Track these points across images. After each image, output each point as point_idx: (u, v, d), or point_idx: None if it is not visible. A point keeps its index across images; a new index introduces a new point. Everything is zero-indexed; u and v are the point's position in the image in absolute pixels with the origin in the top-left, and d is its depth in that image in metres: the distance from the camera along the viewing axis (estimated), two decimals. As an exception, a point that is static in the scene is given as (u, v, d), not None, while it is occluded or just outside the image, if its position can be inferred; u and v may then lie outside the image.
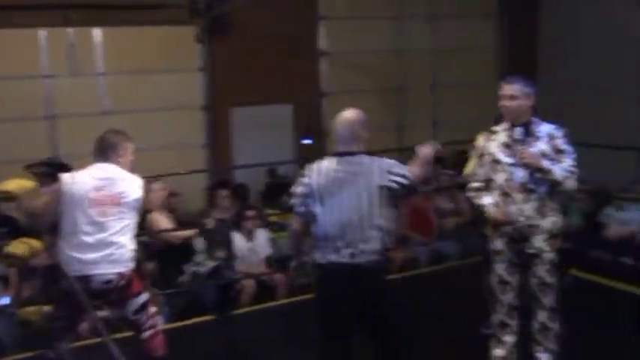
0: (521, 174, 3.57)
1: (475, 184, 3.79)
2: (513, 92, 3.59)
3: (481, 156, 3.75)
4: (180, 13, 7.61)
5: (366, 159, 3.33)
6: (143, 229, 4.77)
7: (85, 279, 3.48)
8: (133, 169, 3.71)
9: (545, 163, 3.52)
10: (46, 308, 4.66)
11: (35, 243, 4.11)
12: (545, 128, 3.63)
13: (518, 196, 3.58)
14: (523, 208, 3.58)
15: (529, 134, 3.60)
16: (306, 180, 3.40)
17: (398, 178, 3.29)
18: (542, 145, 3.57)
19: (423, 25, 8.84)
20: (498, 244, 3.71)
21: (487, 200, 3.69)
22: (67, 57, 7.36)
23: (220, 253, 5.82)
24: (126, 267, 3.55)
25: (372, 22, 8.57)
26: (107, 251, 3.50)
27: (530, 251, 3.62)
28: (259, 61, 7.90)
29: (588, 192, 6.31)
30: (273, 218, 6.82)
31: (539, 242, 3.60)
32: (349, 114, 3.41)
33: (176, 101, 7.79)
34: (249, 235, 6.14)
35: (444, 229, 6.95)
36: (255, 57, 7.86)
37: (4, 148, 6.88)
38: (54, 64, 7.36)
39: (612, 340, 4.29)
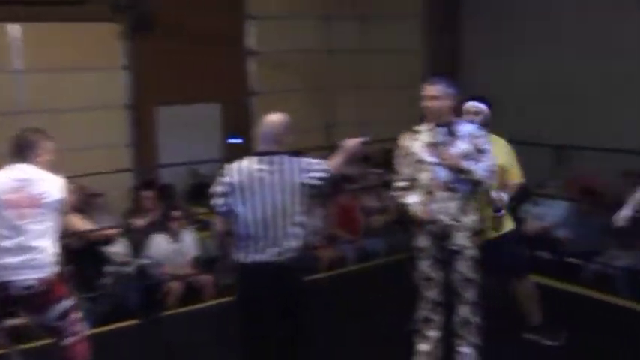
0: (444, 173, 3.66)
1: (400, 184, 3.86)
2: (435, 93, 3.68)
3: (405, 155, 3.83)
4: (103, 10, 7.40)
5: (285, 158, 3.44)
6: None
7: (4, 285, 3.34)
8: (53, 169, 3.59)
9: (466, 164, 3.63)
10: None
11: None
12: (466, 128, 3.74)
13: (442, 195, 3.68)
14: (446, 207, 3.67)
15: (451, 134, 3.70)
16: (226, 179, 3.44)
17: (318, 174, 3.45)
18: (463, 145, 3.68)
19: (351, 25, 8.93)
20: (422, 241, 3.80)
21: (412, 199, 3.77)
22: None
23: (143, 255, 5.72)
24: (47, 272, 3.42)
25: (301, 21, 8.60)
26: (27, 256, 3.37)
27: (453, 248, 3.72)
28: (185, 59, 7.78)
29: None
30: (201, 217, 6.74)
31: (461, 239, 3.71)
32: (274, 116, 3.51)
33: (99, 100, 7.57)
34: (175, 237, 6.06)
35: (371, 227, 7.06)
36: (181, 55, 7.73)
37: None
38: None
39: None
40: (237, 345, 3.57)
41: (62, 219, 3.55)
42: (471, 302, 3.80)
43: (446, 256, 3.76)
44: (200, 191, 7.38)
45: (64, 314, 3.51)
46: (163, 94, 7.80)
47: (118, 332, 4.93)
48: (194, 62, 7.81)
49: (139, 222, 6.15)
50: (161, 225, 6.06)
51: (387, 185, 4.09)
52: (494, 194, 3.98)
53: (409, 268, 4.04)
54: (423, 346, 3.93)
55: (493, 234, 4.06)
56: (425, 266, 3.82)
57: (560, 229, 6.61)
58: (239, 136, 8.21)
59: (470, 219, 3.72)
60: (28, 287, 3.37)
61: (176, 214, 6.17)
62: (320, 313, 4.87)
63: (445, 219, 3.68)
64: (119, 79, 7.80)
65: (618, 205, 5.89)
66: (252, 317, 3.45)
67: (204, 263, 6.17)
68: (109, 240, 5.62)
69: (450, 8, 9.42)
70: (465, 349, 3.88)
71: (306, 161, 3.49)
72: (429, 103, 3.69)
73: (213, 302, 5.58)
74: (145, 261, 5.69)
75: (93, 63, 7.46)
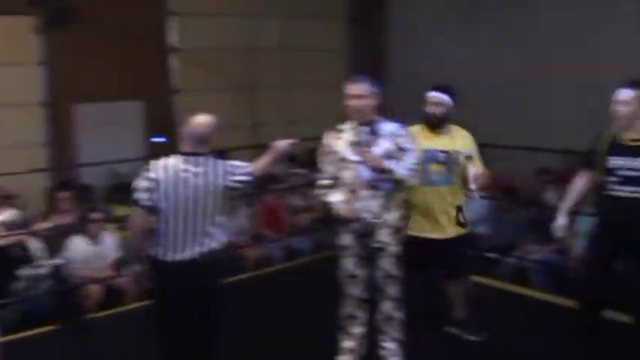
0: (367, 172, 3.69)
1: (323, 182, 3.87)
2: (359, 91, 3.70)
3: (329, 154, 3.84)
4: (17, 2, 7.09)
5: (211, 160, 3.45)
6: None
7: None
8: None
9: (388, 164, 3.67)
10: None
11: None
12: (388, 127, 3.77)
13: (365, 193, 3.71)
14: (369, 204, 3.71)
15: (374, 133, 3.74)
16: (151, 175, 3.39)
17: (242, 177, 3.48)
18: (386, 144, 3.72)
19: (275, 23, 8.91)
20: (346, 239, 3.82)
21: (335, 197, 3.78)
22: None
23: (59, 257, 5.50)
24: None
25: (225, 19, 8.50)
26: None
27: (376, 245, 3.76)
28: (105, 55, 7.55)
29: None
30: (121, 217, 6.54)
31: (384, 236, 3.76)
32: (202, 117, 3.49)
33: (13, 97, 7.24)
34: (95, 239, 5.87)
35: (296, 226, 7.07)
36: (100, 51, 7.49)
37: None
38: None
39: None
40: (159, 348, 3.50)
41: None
42: (394, 298, 3.85)
43: (369, 254, 3.80)
44: (120, 191, 7.18)
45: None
46: (82, 91, 7.54)
47: (33, 339, 4.72)
48: (114, 59, 7.60)
49: (47, 224, 5.93)
50: (79, 227, 5.85)
51: (313, 184, 4.09)
52: (471, 174, 4.00)
53: (334, 265, 4.06)
54: (348, 343, 3.96)
55: (452, 233, 4.12)
56: (348, 264, 3.85)
57: (480, 226, 6.80)
58: (162, 135, 8.05)
59: (392, 216, 3.77)
60: None
61: (95, 215, 5.97)
62: (246, 313, 4.86)
63: (368, 217, 3.71)
64: (35, 76, 7.49)
65: (534, 202, 6.14)
66: (170, 317, 3.44)
67: (125, 265, 5.99)
68: (20, 243, 5.38)
69: (374, 7, 9.55)
70: (389, 345, 3.93)
71: (231, 164, 3.51)
72: (352, 102, 3.71)
73: (136, 305, 5.44)
74: (60, 263, 5.46)
75: (6, 58, 7.13)
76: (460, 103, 4.11)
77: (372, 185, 3.70)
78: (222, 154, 3.64)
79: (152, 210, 3.39)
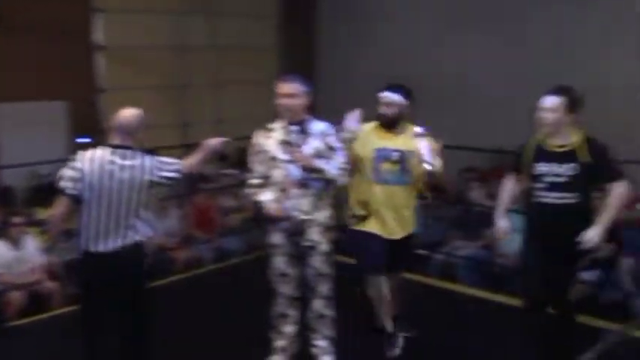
0: (297, 171, 3.70)
1: (254, 181, 3.85)
2: (290, 90, 3.70)
3: (259, 153, 3.83)
4: None
5: (138, 154, 3.49)
6: None
7: None
8: None
9: (318, 163, 3.69)
10: None
11: None
12: (318, 126, 3.79)
13: (295, 192, 3.71)
14: (299, 203, 3.71)
15: (304, 132, 3.75)
16: (78, 165, 3.45)
17: (169, 174, 3.53)
18: (316, 143, 3.73)
19: (204, 21, 8.80)
20: (276, 238, 3.82)
21: (265, 196, 3.77)
22: None
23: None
24: None
25: (153, 16, 8.32)
26: None
27: (306, 244, 3.77)
28: (27, 53, 7.25)
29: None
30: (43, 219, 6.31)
31: (314, 235, 3.77)
32: (129, 110, 3.54)
33: None
34: (16, 243, 5.64)
35: (228, 226, 7.01)
36: (22, 49, 7.19)
37: None
38: None
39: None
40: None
41: None
42: (325, 296, 3.87)
43: (300, 252, 3.81)
44: (42, 193, 6.93)
45: None
46: (2, 90, 7.23)
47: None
48: (37, 57, 7.31)
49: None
50: (0, 231, 5.61)
51: (243, 184, 4.07)
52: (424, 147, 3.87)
53: (265, 265, 4.05)
54: (280, 342, 3.96)
55: (400, 234, 4.07)
56: (279, 263, 3.85)
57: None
58: (88, 136, 7.81)
59: (322, 215, 3.79)
60: None
61: (16, 219, 5.75)
62: (177, 315, 4.79)
63: (298, 215, 3.72)
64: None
65: (460, 199, 6.30)
66: (93, 308, 3.52)
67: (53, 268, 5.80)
68: None
69: (305, 4, 9.58)
70: (321, 343, 3.95)
71: (159, 159, 3.55)
72: (283, 101, 3.70)
73: (65, 310, 5.25)
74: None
75: None
76: (415, 102, 4.04)
77: (302, 184, 3.71)
78: (151, 152, 3.61)
79: (77, 199, 3.43)
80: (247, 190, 3.93)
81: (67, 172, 3.46)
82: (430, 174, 3.85)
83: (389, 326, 4.18)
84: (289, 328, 3.94)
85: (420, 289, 5.38)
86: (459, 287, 5.65)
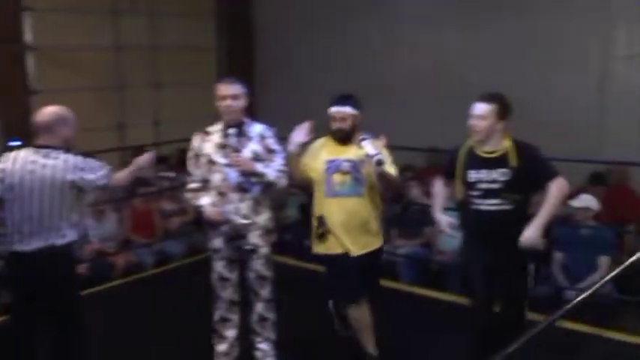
0: (235, 174, 3.68)
1: (193, 185, 3.82)
2: (233, 92, 3.68)
3: (197, 156, 3.80)
4: None
5: (62, 154, 3.45)
6: None
7: None
8: None
9: (258, 167, 3.68)
10: None
11: None
12: (256, 129, 3.79)
13: (234, 196, 3.70)
14: (239, 207, 3.71)
15: (242, 135, 3.73)
16: (0, 166, 3.45)
17: (92, 177, 3.49)
18: (254, 146, 3.73)
19: (141, 21, 8.64)
20: (216, 242, 3.80)
21: (204, 200, 3.74)
22: None
23: None
24: None
25: (86, 16, 8.12)
26: None
27: (247, 247, 3.77)
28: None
29: (300, 186, 6.76)
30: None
31: (254, 238, 3.77)
32: (51, 109, 3.53)
33: None
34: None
35: (168, 229, 6.91)
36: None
37: None
38: None
39: (312, 314, 4.63)
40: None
41: None
42: (267, 299, 3.88)
43: (240, 256, 3.80)
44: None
45: None
46: None
47: None
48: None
49: None
50: None
51: (183, 186, 4.02)
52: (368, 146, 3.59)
53: (207, 268, 4.02)
54: (221, 347, 3.95)
55: (362, 248, 3.85)
56: (220, 267, 3.83)
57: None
58: (19, 138, 7.55)
59: (262, 218, 3.79)
60: None
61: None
62: (117, 321, 4.71)
63: (238, 219, 3.71)
64: None
65: (399, 198, 6.38)
66: (20, 310, 3.52)
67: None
68: None
69: (242, 4, 9.52)
70: (263, 346, 3.96)
71: (83, 160, 3.52)
72: (227, 103, 3.67)
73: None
74: None
75: None
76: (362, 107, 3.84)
77: (241, 188, 3.70)
78: (86, 155, 3.58)
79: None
80: (186, 194, 3.90)
81: None
82: (382, 175, 3.65)
83: (372, 350, 3.98)
84: (231, 332, 3.93)
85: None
86: (400, 285, 5.73)
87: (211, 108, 3.84)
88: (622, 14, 6.52)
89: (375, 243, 3.90)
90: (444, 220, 3.75)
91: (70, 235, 3.47)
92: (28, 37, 7.73)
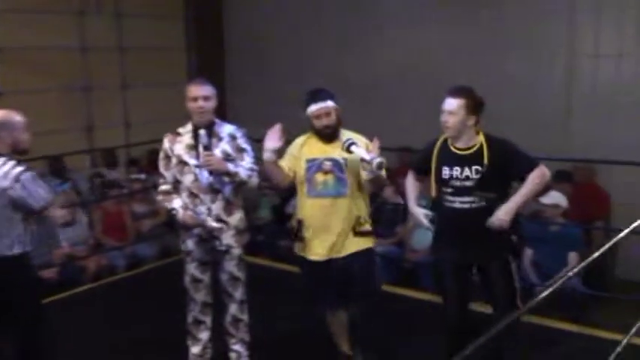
0: (207, 175, 3.66)
1: (164, 187, 3.79)
2: (206, 93, 3.65)
3: (168, 158, 3.76)
4: None
5: (8, 162, 3.31)
6: None
7: None
8: None
9: (231, 167, 3.65)
10: None
11: None
12: (226, 129, 3.76)
13: (206, 197, 3.68)
14: (211, 208, 3.68)
15: (213, 135, 3.71)
16: None
17: (29, 201, 3.32)
18: (224, 146, 3.71)
19: (109, 22, 8.53)
20: (189, 244, 3.78)
21: (176, 203, 3.72)
22: None
23: None
24: None
25: (52, 16, 7.97)
26: None
27: (220, 248, 3.75)
28: None
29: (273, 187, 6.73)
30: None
31: (227, 239, 3.75)
32: None
33: None
34: None
35: (140, 232, 6.84)
36: None
37: None
38: None
39: (285, 315, 4.65)
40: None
41: None
42: (240, 300, 3.87)
43: (213, 257, 3.78)
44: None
45: None
46: None
47: None
48: None
49: None
50: None
51: (155, 188, 3.97)
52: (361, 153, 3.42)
53: (180, 270, 3.99)
54: (195, 349, 3.93)
55: (346, 250, 3.66)
56: (192, 269, 3.81)
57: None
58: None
59: (235, 218, 3.77)
60: None
61: None
62: (89, 325, 4.66)
63: (210, 221, 3.68)
64: None
65: (374, 198, 6.38)
66: None
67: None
68: None
69: (211, 4, 9.46)
70: (237, 347, 3.95)
71: (31, 180, 3.33)
72: (199, 104, 3.63)
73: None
74: None
75: None
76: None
77: (213, 189, 3.68)
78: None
79: None
80: (157, 196, 3.86)
81: None
82: (377, 178, 3.52)
83: (346, 349, 3.94)
84: (204, 334, 3.91)
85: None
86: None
87: (181, 109, 3.81)
88: (588, 14, 6.61)
89: (361, 243, 3.67)
90: (420, 212, 3.65)
91: (19, 247, 3.35)
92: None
